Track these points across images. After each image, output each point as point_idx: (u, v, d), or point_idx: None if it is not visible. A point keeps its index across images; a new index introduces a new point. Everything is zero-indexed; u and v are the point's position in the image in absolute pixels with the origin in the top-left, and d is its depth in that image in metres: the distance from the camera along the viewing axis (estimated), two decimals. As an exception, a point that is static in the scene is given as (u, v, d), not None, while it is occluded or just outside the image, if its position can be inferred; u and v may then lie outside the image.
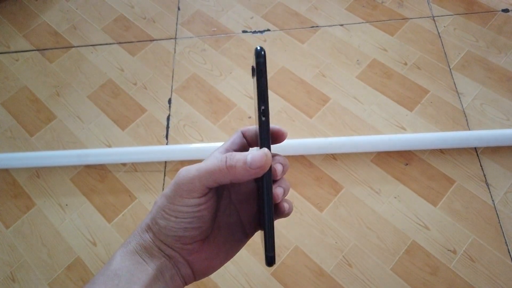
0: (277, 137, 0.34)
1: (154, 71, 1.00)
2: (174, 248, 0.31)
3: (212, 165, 0.29)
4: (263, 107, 0.30)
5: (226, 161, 0.29)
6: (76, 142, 0.91)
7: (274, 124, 0.32)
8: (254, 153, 0.29)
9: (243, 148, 0.35)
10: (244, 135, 0.36)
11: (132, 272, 0.29)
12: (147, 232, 0.31)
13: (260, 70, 0.30)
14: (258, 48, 0.30)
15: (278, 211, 0.33)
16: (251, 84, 0.96)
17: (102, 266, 0.31)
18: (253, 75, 0.33)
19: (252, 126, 0.36)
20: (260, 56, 0.30)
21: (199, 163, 0.30)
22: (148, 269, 0.29)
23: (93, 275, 0.76)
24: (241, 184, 0.34)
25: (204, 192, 0.29)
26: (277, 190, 0.32)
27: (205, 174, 0.29)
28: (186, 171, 0.30)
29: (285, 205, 0.33)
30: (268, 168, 0.29)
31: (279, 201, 0.32)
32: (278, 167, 0.32)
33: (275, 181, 0.33)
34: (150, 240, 0.31)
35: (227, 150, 0.34)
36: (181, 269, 0.31)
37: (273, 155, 0.33)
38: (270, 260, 0.31)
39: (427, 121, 0.87)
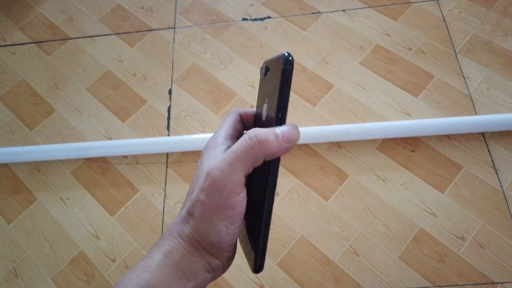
0: None
1: (154, 61, 0.98)
2: (223, 260, 0.29)
3: (240, 148, 0.27)
4: (280, 115, 0.28)
5: (255, 136, 0.27)
6: (76, 135, 0.90)
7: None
8: (282, 127, 0.28)
9: (241, 134, 0.33)
10: (242, 118, 0.34)
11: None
12: (195, 248, 0.28)
13: (286, 79, 0.28)
14: (286, 54, 0.28)
15: None
16: (252, 73, 0.94)
17: (134, 271, 0.27)
18: (264, 74, 0.31)
19: (250, 109, 0.34)
20: (287, 63, 0.28)
21: (218, 158, 0.28)
22: (187, 286, 0.28)
23: (97, 270, 0.76)
24: None
25: (244, 182, 0.28)
26: None
27: (237, 161, 0.27)
28: (219, 171, 0.27)
29: None
30: (296, 142, 0.28)
31: None
32: None
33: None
34: (199, 255, 0.28)
35: (231, 136, 0.32)
36: (215, 275, 0.30)
37: None
38: (259, 268, 0.29)
39: (433, 106, 0.85)
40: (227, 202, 0.27)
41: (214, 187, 0.27)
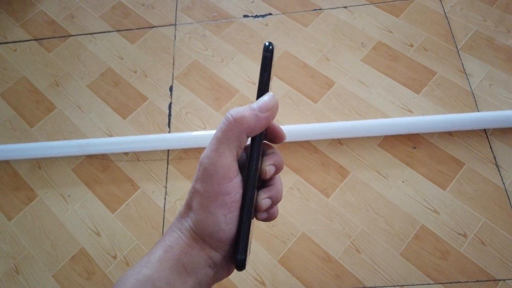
0: (276, 138, 0.31)
1: (154, 58, 0.98)
2: (223, 254, 0.29)
3: (220, 131, 0.27)
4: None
5: (231, 116, 0.27)
6: (77, 132, 0.90)
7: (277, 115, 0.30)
8: (258, 100, 0.28)
9: None
10: None
11: (170, 283, 0.27)
12: (195, 241, 0.28)
13: (265, 65, 0.29)
14: (267, 43, 0.29)
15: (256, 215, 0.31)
16: (253, 69, 0.94)
17: (135, 267, 0.27)
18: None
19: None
20: (268, 51, 0.29)
21: (208, 146, 0.28)
22: (187, 281, 0.27)
23: (98, 266, 0.76)
24: None
25: (236, 167, 0.28)
26: (263, 202, 0.30)
27: (221, 145, 0.27)
28: (208, 158, 0.27)
29: (263, 215, 0.31)
30: (276, 112, 0.28)
31: (263, 210, 0.30)
32: (270, 169, 0.30)
33: (267, 186, 0.31)
34: (200, 248, 0.28)
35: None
36: (219, 273, 0.30)
37: (267, 152, 0.31)
38: (240, 264, 0.28)
39: (435, 103, 0.85)
40: (221, 188, 0.27)
41: (206, 175, 0.27)
